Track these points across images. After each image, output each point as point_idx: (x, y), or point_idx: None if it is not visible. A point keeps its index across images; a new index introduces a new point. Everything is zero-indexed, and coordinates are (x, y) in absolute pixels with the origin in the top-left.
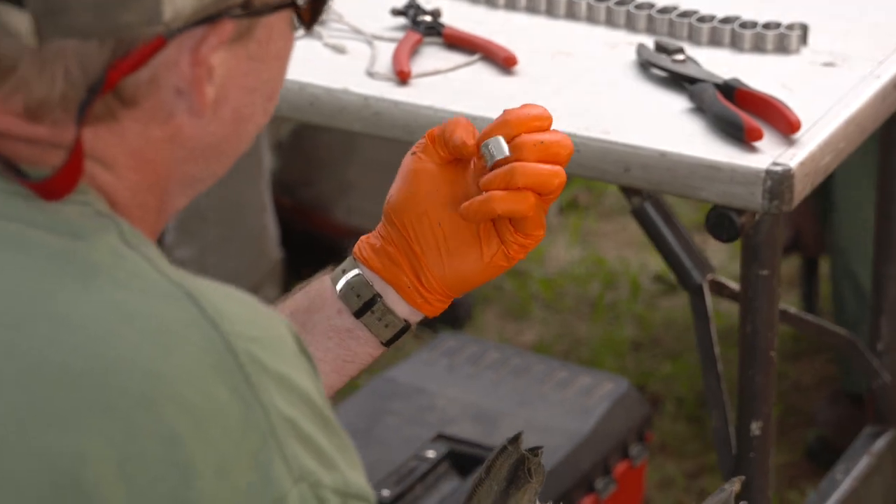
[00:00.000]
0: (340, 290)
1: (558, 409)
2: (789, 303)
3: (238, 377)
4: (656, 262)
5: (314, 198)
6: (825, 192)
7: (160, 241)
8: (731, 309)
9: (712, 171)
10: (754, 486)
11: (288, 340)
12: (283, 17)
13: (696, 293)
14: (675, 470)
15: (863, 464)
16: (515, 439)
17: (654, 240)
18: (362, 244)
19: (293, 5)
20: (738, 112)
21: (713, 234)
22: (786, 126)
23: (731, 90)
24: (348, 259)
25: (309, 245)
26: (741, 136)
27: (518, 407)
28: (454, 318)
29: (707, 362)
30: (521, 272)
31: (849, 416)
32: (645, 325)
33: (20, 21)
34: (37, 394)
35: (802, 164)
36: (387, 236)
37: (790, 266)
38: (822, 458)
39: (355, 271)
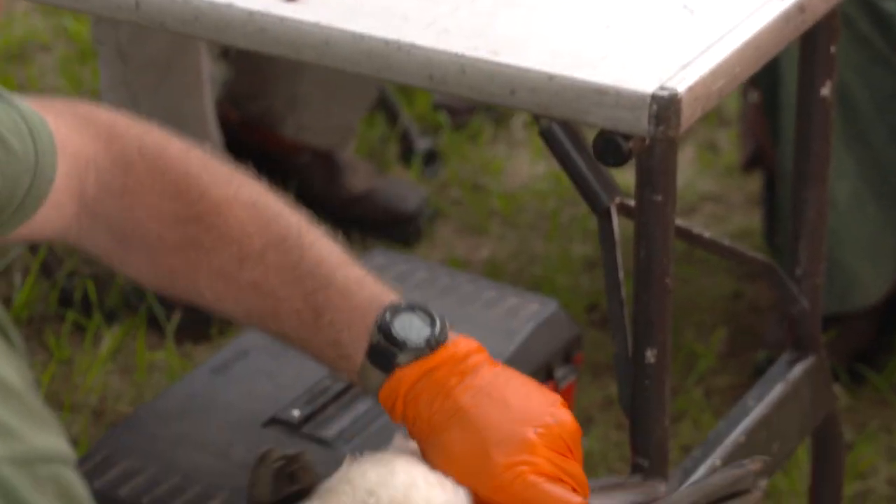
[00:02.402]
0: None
1: (482, 331)
2: (752, 219)
3: None
4: (619, 179)
5: (263, 113)
6: (773, 117)
7: None
8: None
9: (598, 94)
10: (650, 415)
11: None
12: None
13: (603, 216)
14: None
15: (777, 391)
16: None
17: (561, 162)
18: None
19: None
20: None
21: (600, 158)
22: None
23: None
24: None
25: (257, 161)
26: None
27: None
28: (405, 234)
29: (611, 287)
30: (481, 186)
31: None
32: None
33: None
34: None
35: (691, 88)
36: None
37: (754, 182)
38: None
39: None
